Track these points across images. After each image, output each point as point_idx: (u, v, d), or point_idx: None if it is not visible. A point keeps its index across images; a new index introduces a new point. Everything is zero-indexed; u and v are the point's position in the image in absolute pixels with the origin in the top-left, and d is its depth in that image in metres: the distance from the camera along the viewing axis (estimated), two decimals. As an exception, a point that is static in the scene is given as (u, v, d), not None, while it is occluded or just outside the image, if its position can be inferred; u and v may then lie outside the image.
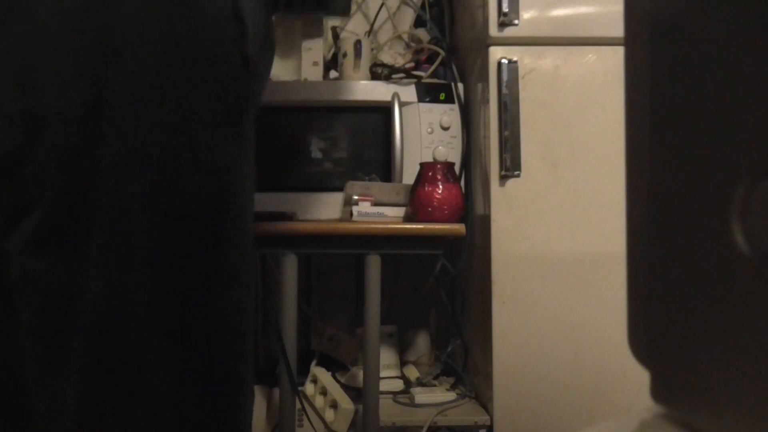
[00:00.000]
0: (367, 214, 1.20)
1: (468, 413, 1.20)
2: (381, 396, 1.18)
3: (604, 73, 1.19)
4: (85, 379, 0.56)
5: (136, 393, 0.58)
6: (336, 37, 1.52)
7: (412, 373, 1.40)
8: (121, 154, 0.57)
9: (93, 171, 0.56)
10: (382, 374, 1.28)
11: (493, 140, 1.18)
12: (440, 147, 1.32)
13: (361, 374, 1.20)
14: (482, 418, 1.17)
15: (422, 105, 1.33)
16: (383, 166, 1.34)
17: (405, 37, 1.57)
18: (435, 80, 1.37)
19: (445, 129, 1.33)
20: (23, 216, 0.56)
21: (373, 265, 1.16)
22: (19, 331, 0.58)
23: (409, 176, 1.26)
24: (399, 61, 1.42)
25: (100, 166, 0.56)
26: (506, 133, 1.17)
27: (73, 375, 0.56)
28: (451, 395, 1.26)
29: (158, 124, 0.59)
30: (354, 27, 1.64)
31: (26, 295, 0.56)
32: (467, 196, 1.30)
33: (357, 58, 1.39)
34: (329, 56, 1.52)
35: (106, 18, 0.57)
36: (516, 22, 1.17)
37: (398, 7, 1.64)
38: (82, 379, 0.56)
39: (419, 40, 1.50)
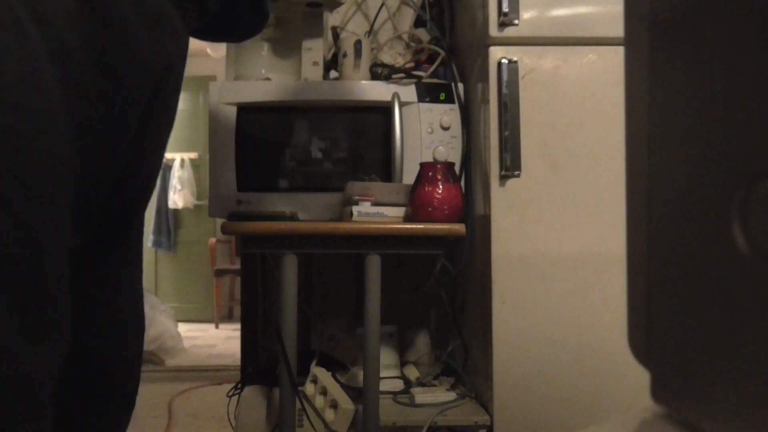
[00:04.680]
0: (367, 214, 1.20)
1: (468, 413, 1.20)
2: (381, 396, 1.18)
3: (604, 73, 1.19)
4: None
5: None
6: (336, 37, 1.52)
7: (412, 373, 1.40)
8: None
9: None
10: (382, 374, 1.28)
11: (493, 140, 1.18)
12: (440, 147, 1.32)
13: (361, 374, 1.20)
14: (482, 418, 1.17)
15: (422, 105, 1.33)
16: (383, 166, 1.34)
17: (405, 37, 1.57)
18: (435, 80, 1.37)
19: (445, 129, 1.33)
20: None
21: (373, 265, 1.16)
22: None
23: (409, 176, 1.26)
24: (399, 61, 1.42)
25: None
26: (506, 133, 1.17)
27: None
28: (451, 395, 1.26)
29: None
30: (354, 27, 1.64)
31: None
32: (467, 196, 1.30)
33: (357, 58, 1.39)
34: (329, 56, 1.52)
35: None
36: (516, 22, 1.17)
37: (398, 7, 1.64)
38: None
39: (419, 40, 1.50)
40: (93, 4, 0.60)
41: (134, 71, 0.66)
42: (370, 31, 1.62)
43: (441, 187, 1.17)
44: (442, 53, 1.39)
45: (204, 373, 3.03)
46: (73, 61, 0.59)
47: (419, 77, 1.37)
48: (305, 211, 1.30)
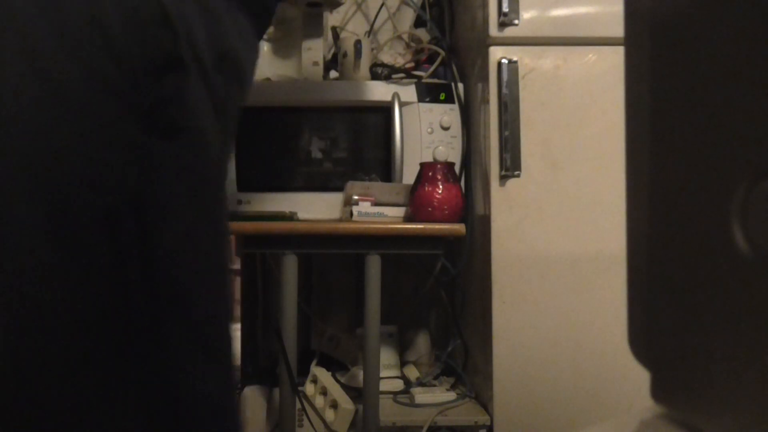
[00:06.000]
0: (367, 214, 1.20)
1: (468, 413, 1.20)
2: (381, 396, 1.18)
3: (604, 73, 1.19)
4: None
5: None
6: (336, 37, 1.52)
7: (412, 373, 1.40)
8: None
9: None
10: (382, 374, 1.28)
11: (493, 140, 1.18)
12: (440, 147, 1.32)
13: (361, 374, 1.20)
14: (482, 418, 1.17)
15: (422, 105, 1.33)
16: (383, 166, 1.34)
17: (405, 37, 1.57)
18: (435, 80, 1.37)
19: (445, 129, 1.33)
20: None
21: (373, 265, 1.16)
22: None
23: (409, 176, 1.26)
24: (399, 61, 1.42)
25: None
26: (506, 133, 1.17)
27: None
28: (451, 395, 1.26)
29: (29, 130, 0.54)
30: (354, 27, 1.64)
31: None
32: (467, 196, 1.30)
33: (357, 58, 1.39)
34: (329, 56, 1.52)
35: None
36: (516, 22, 1.17)
37: (398, 7, 1.64)
38: None
39: (419, 40, 1.50)
40: (224, 51, 0.69)
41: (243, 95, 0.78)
42: (370, 31, 1.62)
43: (441, 187, 1.17)
44: (442, 53, 1.39)
45: (204, 373, 3.02)
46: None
47: (419, 77, 1.37)
48: (305, 211, 1.30)
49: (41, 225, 0.54)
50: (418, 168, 1.21)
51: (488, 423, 1.17)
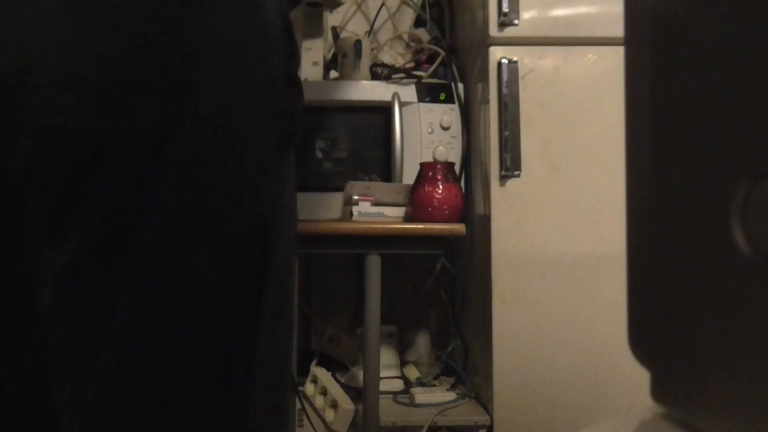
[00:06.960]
0: (367, 214, 1.20)
1: (468, 413, 1.20)
2: (381, 396, 1.18)
3: (604, 73, 1.19)
4: (106, 396, 0.53)
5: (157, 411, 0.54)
6: (336, 37, 1.52)
7: (412, 373, 1.40)
8: (182, 181, 0.52)
9: (150, 197, 0.51)
10: (382, 374, 1.28)
11: (493, 140, 1.18)
12: (440, 147, 1.32)
13: (361, 374, 1.20)
14: (482, 418, 1.17)
15: (422, 105, 1.33)
16: (383, 166, 1.34)
17: (405, 37, 1.57)
18: (435, 80, 1.37)
19: (445, 129, 1.33)
20: (59, 241, 0.50)
21: (373, 265, 1.16)
22: (44, 353, 0.54)
23: (409, 176, 1.26)
24: (399, 61, 1.42)
25: (159, 192, 0.51)
26: (506, 133, 1.17)
27: (95, 391, 0.52)
28: (451, 395, 1.26)
29: (223, 151, 0.54)
30: (354, 27, 1.64)
31: (60, 318, 0.52)
32: (467, 196, 1.30)
33: (357, 58, 1.39)
34: (329, 56, 1.52)
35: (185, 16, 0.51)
36: (516, 22, 1.17)
37: (398, 7, 1.64)
38: (101, 396, 0.53)
39: (419, 40, 1.50)
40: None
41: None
42: (370, 31, 1.62)
43: (441, 187, 1.17)
44: (442, 53, 1.39)
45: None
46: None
47: (419, 77, 1.37)
48: (305, 211, 1.30)
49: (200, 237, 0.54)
50: (418, 168, 1.21)
51: (488, 423, 1.17)
